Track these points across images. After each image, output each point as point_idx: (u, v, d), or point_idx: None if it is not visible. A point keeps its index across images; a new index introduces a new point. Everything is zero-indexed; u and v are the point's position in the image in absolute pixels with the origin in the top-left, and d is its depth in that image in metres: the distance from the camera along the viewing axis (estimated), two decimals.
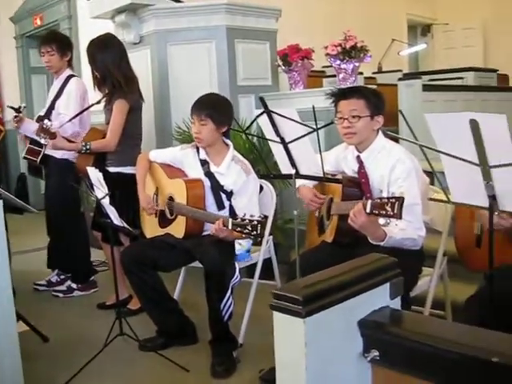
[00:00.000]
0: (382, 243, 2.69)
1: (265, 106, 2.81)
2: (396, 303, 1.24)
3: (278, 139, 2.87)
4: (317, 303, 1.08)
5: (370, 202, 2.48)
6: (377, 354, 1.15)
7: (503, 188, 2.00)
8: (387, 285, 1.21)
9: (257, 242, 3.48)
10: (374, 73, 8.63)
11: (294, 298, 1.07)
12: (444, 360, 1.09)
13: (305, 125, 2.72)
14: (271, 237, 3.71)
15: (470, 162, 1.99)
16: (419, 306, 3.07)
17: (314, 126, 2.72)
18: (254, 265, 3.60)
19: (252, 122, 3.04)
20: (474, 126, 1.91)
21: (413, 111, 5.17)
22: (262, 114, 2.83)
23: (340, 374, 1.16)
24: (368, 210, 2.48)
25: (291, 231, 4.11)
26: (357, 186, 3.01)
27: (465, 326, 1.22)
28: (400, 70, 8.23)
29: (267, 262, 3.74)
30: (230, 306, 3.19)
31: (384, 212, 2.40)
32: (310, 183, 3.27)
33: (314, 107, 2.67)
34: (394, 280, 1.22)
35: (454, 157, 2.03)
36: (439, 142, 2.09)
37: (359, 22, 8.48)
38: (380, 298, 1.21)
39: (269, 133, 2.92)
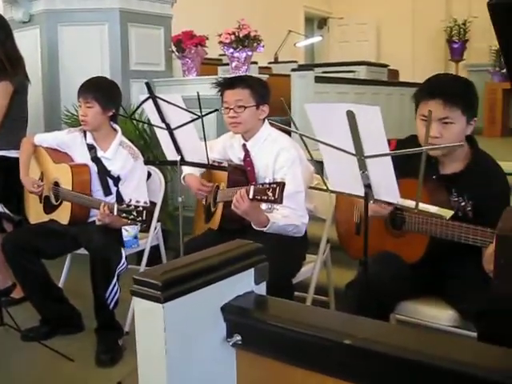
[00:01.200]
0: (264, 229, 2.74)
1: (150, 91, 2.78)
2: (261, 288, 1.26)
3: (163, 125, 2.84)
4: (176, 288, 1.09)
5: (252, 187, 2.52)
6: (239, 338, 1.17)
7: (377, 177, 2.08)
8: (252, 270, 1.23)
9: (145, 229, 3.45)
10: (270, 63, 8.72)
11: (153, 284, 1.07)
12: (305, 343, 1.12)
13: (189, 111, 2.72)
14: (159, 223, 3.68)
15: (346, 151, 2.05)
16: (303, 292, 3.14)
17: (201, 113, 2.72)
18: (143, 251, 3.56)
19: (137, 108, 3.00)
20: (351, 117, 1.97)
21: (305, 102, 5.25)
22: (147, 99, 2.80)
23: (203, 358, 1.17)
24: (251, 196, 2.52)
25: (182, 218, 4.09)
26: (243, 173, 3.04)
27: (325, 311, 1.26)
28: (295, 61, 8.37)
29: (156, 249, 3.71)
30: (115, 294, 3.14)
31: (266, 197, 2.45)
32: (198, 171, 3.27)
33: (198, 94, 2.67)
34: (259, 265, 1.24)
35: (331, 146, 2.08)
36: (318, 131, 2.14)
37: (257, 12, 8.55)
38: (245, 283, 1.23)
39: (155, 119, 2.89)
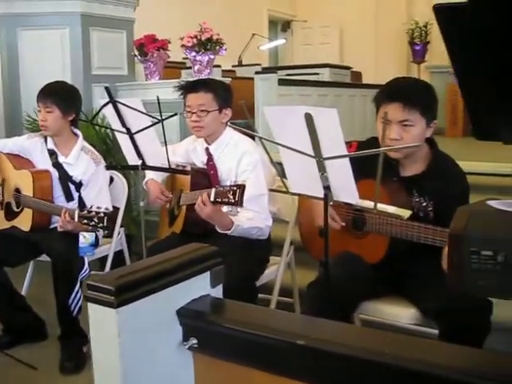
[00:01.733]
0: (228, 232, 2.74)
1: (110, 95, 2.76)
2: (217, 291, 1.26)
3: (124, 130, 2.83)
4: (130, 293, 1.08)
5: (213, 190, 2.53)
6: (195, 341, 1.17)
7: (336, 179, 2.10)
8: (208, 273, 1.24)
9: (108, 234, 3.42)
10: (234, 66, 8.73)
11: (107, 289, 1.07)
12: (260, 345, 1.13)
13: (149, 115, 2.72)
14: (123, 228, 3.66)
15: (305, 153, 2.06)
16: (268, 294, 3.15)
17: (161, 117, 2.72)
18: (107, 257, 3.54)
19: (97, 113, 2.98)
20: (309, 119, 1.99)
21: (269, 104, 5.28)
22: (106, 104, 2.79)
23: (159, 362, 1.17)
24: (212, 199, 2.53)
25: (146, 223, 4.06)
26: (206, 177, 3.04)
27: (281, 313, 1.27)
28: (259, 64, 8.39)
29: (120, 254, 3.69)
30: (78, 300, 3.11)
31: (227, 200, 2.46)
32: (161, 176, 3.26)
33: (158, 98, 2.67)
34: (215, 268, 1.25)
35: (291, 149, 2.09)
36: (277, 134, 2.15)
37: (221, 16, 8.55)
38: (200, 286, 1.23)
39: (115, 123, 2.87)
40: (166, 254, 1.24)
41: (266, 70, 7.02)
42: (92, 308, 1.10)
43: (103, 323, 1.08)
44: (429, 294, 2.36)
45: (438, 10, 1.03)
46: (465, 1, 0.96)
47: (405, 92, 2.41)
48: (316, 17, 11.97)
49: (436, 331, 2.35)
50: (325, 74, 8.14)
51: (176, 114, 2.87)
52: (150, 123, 2.76)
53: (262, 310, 1.31)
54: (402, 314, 2.50)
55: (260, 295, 3.10)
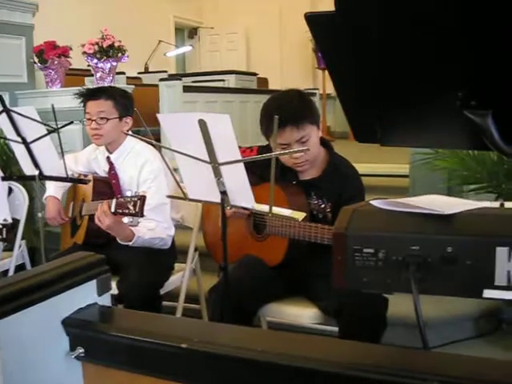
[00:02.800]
0: (130, 243, 2.73)
1: (3, 104, 2.69)
2: (105, 299, 1.26)
3: (19, 139, 2.76)
4: (10, 305, 1.06)
5: (114, 201, 2.50)
6: (82, 351, 1.16)
7: (232, 184, 2.13)
8: (94, 282, 1.23)
9: (8, 248, 3.32)
10: (140, 73, 8.67)
11: None
12: (149, 351, 1.13)
13: (45, 124, 2.66)
14: (24, 241, 3.56)
15: (201, 159, 2.08)
16: (174, 302, 3.14)
17: (56, 126, 2.67)
18: (7, 271, 3.43)
19: None
20: (203, 125, 2.01)
21: (174, 111, 5.28)
22: (0, 113, 2.72)
23: (45, 374, 1.15)
24: (113, 209, 2.50)
25: (49, 234, 3.97)
26: (108, 186, 3.01)
27: (170, 318, 1.28)
28: (165, 71, 8.36)
29: (23, 268, 3.58)
30: None
31: (127, 210, 2.45)
32: (65, 185, 3.19)
33: (53, 106, 2.62)
34: (102, 276, 1.24)
35: (187, 155, 2.11)
36: (173, 141, 2.16)
37: (127, 22, 8.46)
38: (87, 295, 1.22)
39: (10, 133, 2.80)
40: (50, 263, 1.23)
41: (171, 77, 7.00)
42: None
43: None
44: (328, 293, 2.41)
45: (310, 18, 1.07)
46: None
47: (291, 113, 2.42)
48: (223, 24, 12.03)
49: (337, 329, 2.42)
50: (231, 81, 8.20)
51: (72, 123, 2.81)
52: (46, 132, 2.70)
53: (149, 316, 1.31)
54: (304, 313, 2.55)
55: (166, 303, 3.09)
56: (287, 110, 2.45)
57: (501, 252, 1.21)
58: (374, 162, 5.03)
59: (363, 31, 1.01)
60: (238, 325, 1.72)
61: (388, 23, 0.96)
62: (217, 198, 2.18)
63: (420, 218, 1.27)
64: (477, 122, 1.03)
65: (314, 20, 1.08)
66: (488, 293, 1.26)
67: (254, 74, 9.22)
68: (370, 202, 1.46)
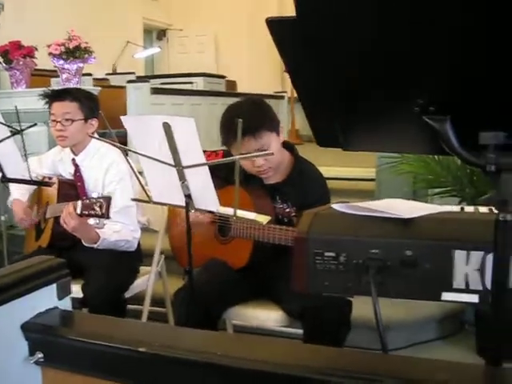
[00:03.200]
0: (95, 245, 2.71)
1: None
2: (65, 303, 1.25)
3: None
4: None
5: (80, 202, 2.49)
6: (41, 356, 1.15)
7: (197, 187, 2.13)
8: (54, 286, 1.22)
9: None
10: (107, 74, 8.60)
11: None
12: (109, 355, 1.13)
13: (8, 125, 2.63)
14: None
15: (165, 163, 2.08)
16: (140, 305, 3.12)
17: (20, 128, 2.64)
18: None
19: None
20: (167, 128, 2.01)
21: (141, 113, 5.26)
22: None
23: (3, 379, 1.13)
24: (78, 211, 2.49)
25: (13, 237, 3.93)
26: (74, 188, 2.98)
27: (131, 322, 1.28)
28: (133, 73, 8.31)
29: None
30: None
31: (93, 212, 2.43)
32: (29, 189, 3.16)
33: (16, 108, 2.59)
34: (62, 280, 1.23)
35: (151, 158, 2.10)
36: (137, 144, 2.15)
37: (94, 23, 8.39)
38: (46, 299, 1.21)
39: None
40: (9, 267, 1.21)
41: (138, 79, 6.96)
42: None
43: None
44: (292, 296, 2.42)
45: (271, 23, 1.08)
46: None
47: (248, 124, 2.33)
48: (192, 25, 12.00)
49: (302, 331, 2.43)
50: (199, 83, 8.19)
51: (36, 125, 2.79)
52: (9, 134, 2.67)
53: (110, 320, 1.30)
54: (269, 316, 2.55)
55: (132, 306, 3.07)
56: (246, 118, 2.42)
57: (459, 255, 1.23)
58: (340, 166, 5.06)
59: (322, 36, 1.02)
60: (204, 328, 1.72)
61: (346, 30, 0.97)
62: (181, 202, 2.17)
63: (380, 222, 1.29)
64: (435, 128, 1.05)
65: (274, 25, 1.09)
66: (446, 295, 1.28)
67: (223, 77, 9.22)
68: (332, 205, 1.47)
